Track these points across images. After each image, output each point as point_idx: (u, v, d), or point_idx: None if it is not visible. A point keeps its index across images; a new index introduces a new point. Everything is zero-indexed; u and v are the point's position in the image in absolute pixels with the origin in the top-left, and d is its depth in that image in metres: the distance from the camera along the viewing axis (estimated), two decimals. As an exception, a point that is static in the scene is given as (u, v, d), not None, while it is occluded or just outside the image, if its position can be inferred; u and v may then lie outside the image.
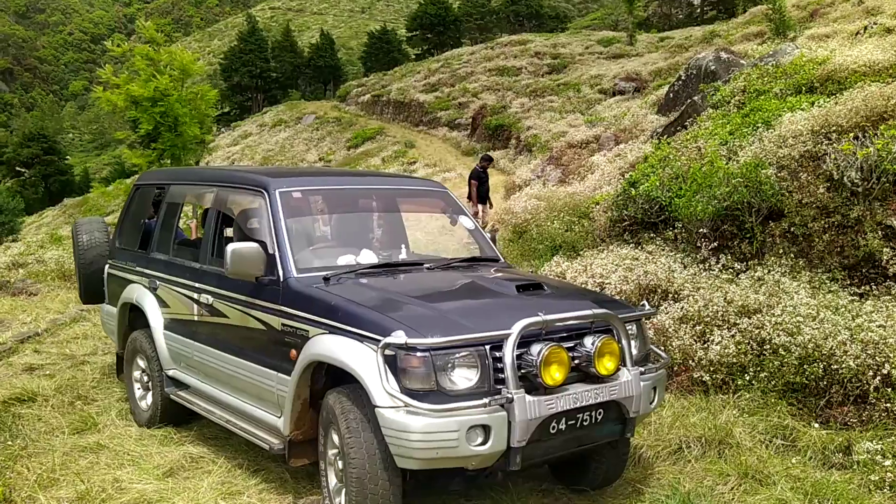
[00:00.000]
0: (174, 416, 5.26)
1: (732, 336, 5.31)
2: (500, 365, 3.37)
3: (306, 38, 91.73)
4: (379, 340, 3.34)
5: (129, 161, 16.40)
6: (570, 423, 3.51)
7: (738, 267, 6.28)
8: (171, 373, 5.17)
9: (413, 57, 65.94)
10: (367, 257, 4.40)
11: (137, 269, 5.60)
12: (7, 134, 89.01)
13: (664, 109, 18.27)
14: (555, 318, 3.54)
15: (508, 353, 3.33)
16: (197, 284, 4.81)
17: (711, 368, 5.26)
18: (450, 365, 3.32)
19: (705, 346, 5.42)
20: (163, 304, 5.26)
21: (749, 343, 5.24)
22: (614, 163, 15.09)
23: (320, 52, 70.45)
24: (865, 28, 15.11)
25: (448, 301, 3.88)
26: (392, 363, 3.30)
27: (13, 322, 8.90)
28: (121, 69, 16.31)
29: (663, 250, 7.11)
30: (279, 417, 4.04)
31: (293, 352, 3.89)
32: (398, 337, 3.26)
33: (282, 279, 4.07)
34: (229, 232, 5.15)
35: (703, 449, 4.39)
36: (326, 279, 4.03)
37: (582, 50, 43.48)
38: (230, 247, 4.06)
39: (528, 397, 3.33)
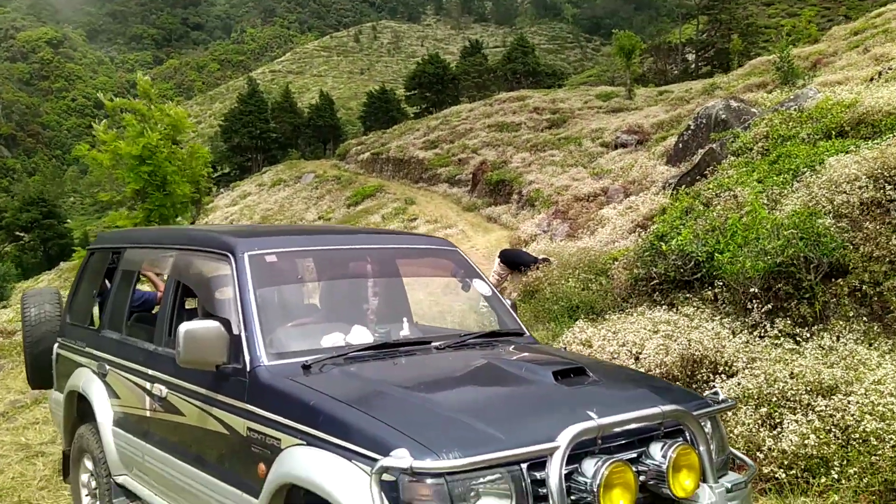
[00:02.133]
0: (126, 533, 4.26)
1: (809, 422, 4.34)
2: (541, 490, 2.42)
3: (306, 99, 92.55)
4: (374, 460, 2.40)
5: (115, 223, 15.60)
6: (638, 569, 2.55)
7: (799, 333, 5.35)
8: (120, 480, 4.19)
9: (412, 115, 66.17)
10: (360, 335, 3.48)
11: (87, 349, 4.67)
12: (8, 199, 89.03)
13: (674, 160, 17.64)
14: (614, 420, 2.61)
15: (555, 475, 2.38)
16: (150, 371, 3.88)
17: (786, 462, 4.28)
18: (473, 494, 2.37)
19: (775, 432, 4.45)
20: (112, 393, 4.32)
21: (830, 430, 4.27)
22: (626, 216, 14.35)
23: (320, 113, 70.79)
24: (880, 73, 14.54)
25: (466, 397, 2.94)
26: (393, 494, 2.36)
27: (-32, 404, 7.91)
28: (115, 126, 15.65)
29: (703, 313, 6.19)
30: (246, 552, 3.07)
31: (261, 466, 2.94)
32: (400, 458, 2.32)
33: (248, 368, 3.15)
34: (192, 304, 4.25)
35: (798, 579, 3.39)
36: (306, 367, 3.11)
37: (581, 104, 43.39)
38: (182, 327, 3.15)
39: (584, 539, 2.38)
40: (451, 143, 40.11)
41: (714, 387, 5.05)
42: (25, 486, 5.47)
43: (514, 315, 4.03)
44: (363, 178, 43.07)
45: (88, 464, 4.54)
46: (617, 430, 2.64)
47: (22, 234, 69.02)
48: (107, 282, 5.62)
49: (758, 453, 4.41)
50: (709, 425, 3.01)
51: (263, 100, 74.31)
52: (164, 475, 3.73)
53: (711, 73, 53.60)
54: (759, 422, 4.57)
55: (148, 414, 3.89)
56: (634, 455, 2.69)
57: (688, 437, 2.84)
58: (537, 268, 11.14)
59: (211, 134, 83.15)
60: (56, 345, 5.17)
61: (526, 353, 3.56)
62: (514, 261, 11.89)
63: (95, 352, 4.53)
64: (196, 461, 3.45)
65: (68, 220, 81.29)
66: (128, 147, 13.18)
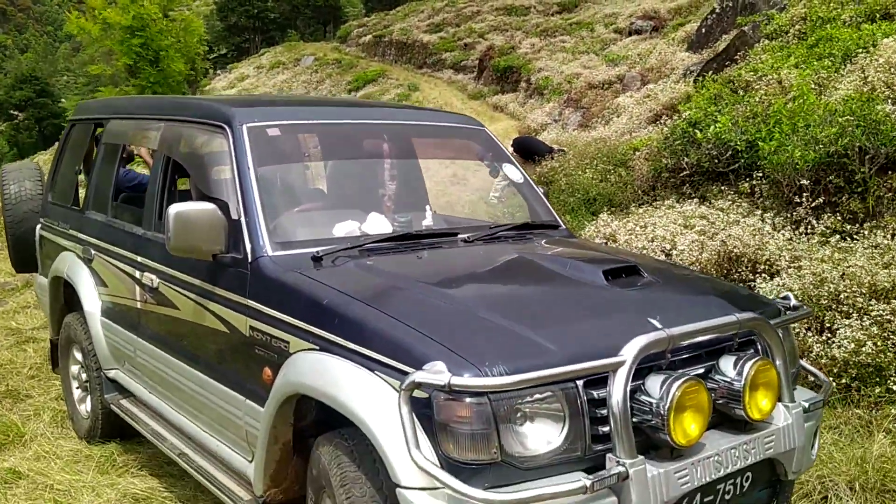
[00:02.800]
0: (120, 427, 3.97)
1: (864, 327, 3.96)
2: (599, 412, 2.03)
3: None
4: (402, 373, 2.01)
5: (107, 101, 14.84)
6: (706, 499, 2.20)
7: (849, 230, 4.90)
8: (111, 374, 3.85)
9: (416, -4, 63.19)
10: (378, 224, 3.02)
11: (70, 231, 4.23)
12: (1, 76, 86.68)
13: (696, 46, 16.71)
14: (686, 331, 2.19)
15: (618, 395, 1.99)
16: (139, 258, 3.45)
17: (835, 370, 3.93)
18: (520, 416, 1.98)
19: (823, 338, 4.08)
20: (99, 281, 3.91)
21: (888, 338, 3.90)
22: (644, 104, 13.66)
23: (320, -9, 67.56)
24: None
25: (506, 299, 2.52)
26: (426, 412, 1.97)
27: (-44, 287, 7.58)
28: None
29: (739, 207, 5.73)
30: (250, 462, 2.74)
31: (267, 371, 2.56)
32: (437, 373, 1.92)
33: (250, 259, 2.71)
34: (186, 185, 3.79)
35: (857, 500, 3.09)
36: (317, 259, 2.67)
37: (594, -14, 41.16)
38: (172, 209, 2.68)
39: (651, 468, 2.01)
40: (457, 27, 38.35)
41: (752, 285, 4.68)
42: (15, 373, 5.18)
43: (548, 205, 3.56)
44: (365, 62, 41.45)
45: (78, 355, 4.20)
46: (686, 342, 2.23)
47: (16, 113, 67.62)
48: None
49: (803, 361, 4.06)
50: (781, 336, 2.61)
51: (260, -25, 70.74)
52: (158, 372, 3.38)
53: (732, -43, 50.73)
54: (805, 326, 4.20)
55: (138, 305, 3.49)
56: (702, 370, 2.30)
57: (759, 349, 2.44)
58: (552, 157, 10.57)
59: (206, 12, 79.80)
60: (39, 225, 4.74)
61: (567, 248, 3.12)
62: (528, 149, 11.28)
63: (80, 234, 4.09)
64: (192, 360, 3.08)
65: (62, 100, 79.34)
66: (118, 16, 12.29)
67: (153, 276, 3.29)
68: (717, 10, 16.08)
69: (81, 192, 4.44)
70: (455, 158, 4.14)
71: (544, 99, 23.14)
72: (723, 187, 6.12)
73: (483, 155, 3.68)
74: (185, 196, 3.74)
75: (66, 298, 4.37)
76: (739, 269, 4.92)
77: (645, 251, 5.43)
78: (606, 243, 5.84)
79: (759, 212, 5.46)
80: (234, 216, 2.79)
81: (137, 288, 3.47)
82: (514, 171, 3.54)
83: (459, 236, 3.05)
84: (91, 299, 3.91)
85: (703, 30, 16.49)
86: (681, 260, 5.13)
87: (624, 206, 7.61)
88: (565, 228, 3.48)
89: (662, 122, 11.37)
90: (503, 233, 3.16)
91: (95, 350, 3.89)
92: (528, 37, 32.42)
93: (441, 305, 2.33)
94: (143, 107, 3.97)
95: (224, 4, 65.79)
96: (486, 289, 2.64)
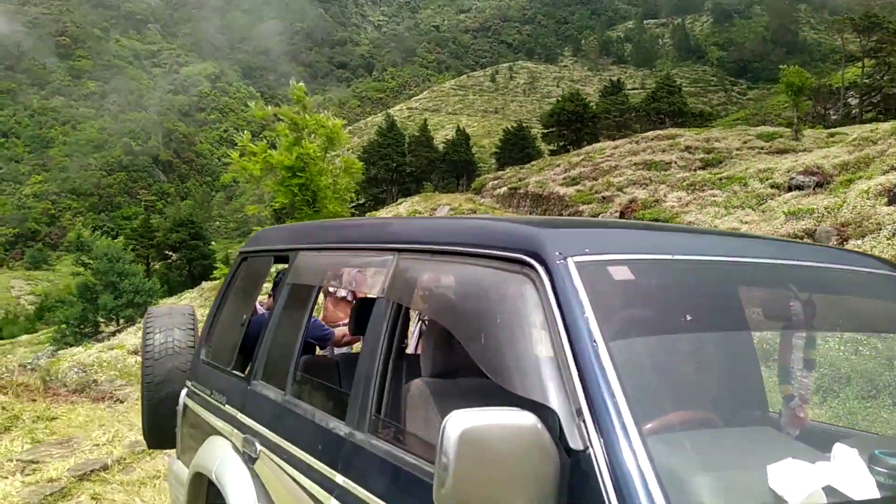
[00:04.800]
0: None
1: None
2: None
3: (441, 135, 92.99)
4: None
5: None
6: None
7: None
8: None
9: (547, 153, 64.66)
10: (851, 473, 1.44)
11: (227, 408, 2.93)
12: (161, 220, 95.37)
13: (900, 200, 14.80)
14: None
15: None
16: (339, 478, 2.05)
17: None
18: None
19: None
20: (264, 495, 2.53)
21: None
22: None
23: (455, 148, 70.66)
24: None
25: None
26: None
27: (83, 442, 6.55)
28: (261, 138, 14.70)
29: None
30: None
31: None
32: None
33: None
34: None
35: None
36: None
37: (739, 144, 40.74)
38: (454, 425, 1.28)
39: None
40: (595, 181, 38.11)
41: None
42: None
43: None
44: (499, 212, 41.60)
45: None
46: None
47: (170, 253, 73.39)
48: (258, 305, 3.97)
49: None
50: None
51: (401, 134, 75.22)
52: None
53: (877, 119, 48.78)
54: None
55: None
56: None
57: None
58: None
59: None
60: (185, 391, 3.50)
61: None
62: None
63: (240, 416, 2.78)
64: None
65: (212, 243, 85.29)
66: (280, 157, 12.02)
67: (366, 517, 1.85)
68: (925, 162, 14.27)
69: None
70: (870, 330, 2.57)
71: (697, 254, 21.52)
72: None
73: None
74: (413, 361, 2.38)
75: (206, 501, 3.02)
76: None
77: None
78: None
79: None
80: (575, 443, 1.33)
81: (331, 527, 2.04)
82: None
83: None
84: (248, 521, 2.51)
85: (909, 182, 14.61)
86: None
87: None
88: None
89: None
90: None
91: None
92: (674, 190, 31.50)
93: None
94: (359, 234, 2.64)
95: (366, 159, 69.82)
96: None
